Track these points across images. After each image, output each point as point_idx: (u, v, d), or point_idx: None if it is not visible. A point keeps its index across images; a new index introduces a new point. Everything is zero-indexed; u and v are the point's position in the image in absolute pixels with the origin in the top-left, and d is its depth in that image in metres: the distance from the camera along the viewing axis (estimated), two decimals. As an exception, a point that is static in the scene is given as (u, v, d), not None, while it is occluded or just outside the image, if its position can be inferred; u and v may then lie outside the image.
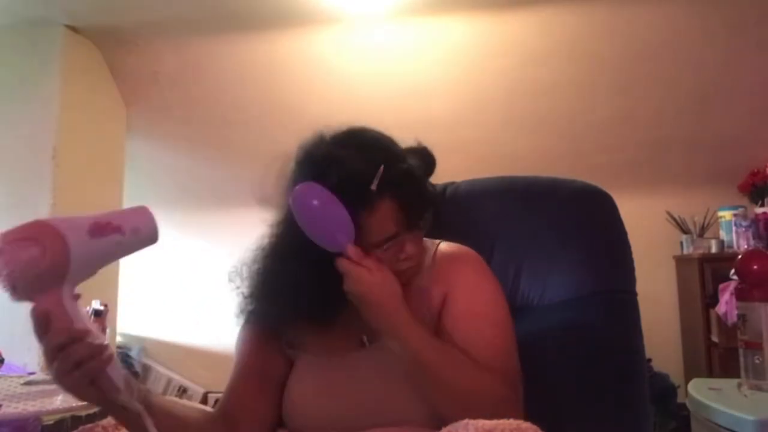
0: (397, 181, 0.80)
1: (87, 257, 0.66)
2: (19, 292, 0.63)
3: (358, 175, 0.78)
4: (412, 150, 0.89)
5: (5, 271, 0.62)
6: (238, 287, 0.92)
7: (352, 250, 0.79)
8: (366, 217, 0.79)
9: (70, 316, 0.66)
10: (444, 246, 0.96)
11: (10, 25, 2.59)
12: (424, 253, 0.91)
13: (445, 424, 0.70)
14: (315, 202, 0.78)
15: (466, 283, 0.90)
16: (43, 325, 0.65)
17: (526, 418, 0.71)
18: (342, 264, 0.80)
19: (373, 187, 0.78)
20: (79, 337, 0.65)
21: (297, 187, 0.79)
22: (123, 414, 0.73)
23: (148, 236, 0.72)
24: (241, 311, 0.94)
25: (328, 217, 0.78)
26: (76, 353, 0.64)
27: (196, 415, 0.88)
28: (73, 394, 0.67)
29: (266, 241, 0.89)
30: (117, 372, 0.68)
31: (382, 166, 0.78)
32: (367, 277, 0.79)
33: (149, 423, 0.70)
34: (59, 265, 0.64)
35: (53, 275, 0.64)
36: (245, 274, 0.91)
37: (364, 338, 0.89)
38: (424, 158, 0.89)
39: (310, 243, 0.80)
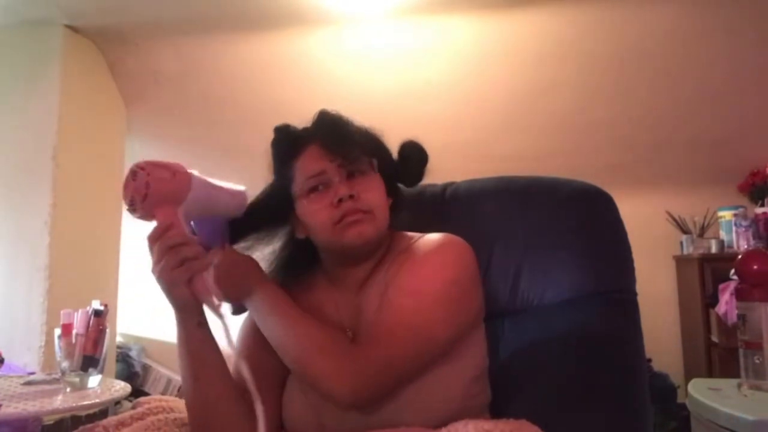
0: (317, 125, 0.91)
1: (200, 197, 0.83)
2: (149, 201, 0.78)
3: (289, 129, 0.94)
4: (403, 145, 0.96)
5: (145, 181, 0.78)
6: None
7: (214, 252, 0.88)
8: (296, 163, 0.90)
9: (183, 228, 0.80)
10: (428, 235, 0.92)
11: (10, 25, 2.59)
12: (379, 204, 0.89)
13: (444, 425, 0.70)
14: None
15: (418, 258, 0.86)
16: (160, 230, 0.78)
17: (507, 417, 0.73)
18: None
19: (297, 131, 0.92)
20: (191, 241, 0.79)
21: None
22: (192, 328, 0.84)
23: (241, 203, 0.93)
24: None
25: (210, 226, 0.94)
26: (185, 252, 0.78)
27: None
28: (170, 290, 0.80)
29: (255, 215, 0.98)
30: (210, 278, 0.81)
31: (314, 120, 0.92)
32: (218, 256, 0.86)
33: (228, 330, 0.81)
34: (183, 189, 0.81)
35: (176, 195, 0.80)
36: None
37: (349, 333, 0.89)
38: (413, 152, 0.96)
39: (269, 215, 0.95)
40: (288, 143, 0.92)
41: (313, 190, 0.87)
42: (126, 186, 0.79)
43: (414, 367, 0.80)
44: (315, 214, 0.87)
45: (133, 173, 0.79)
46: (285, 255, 0.97)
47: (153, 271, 0.78)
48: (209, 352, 0.85)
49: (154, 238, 0.78)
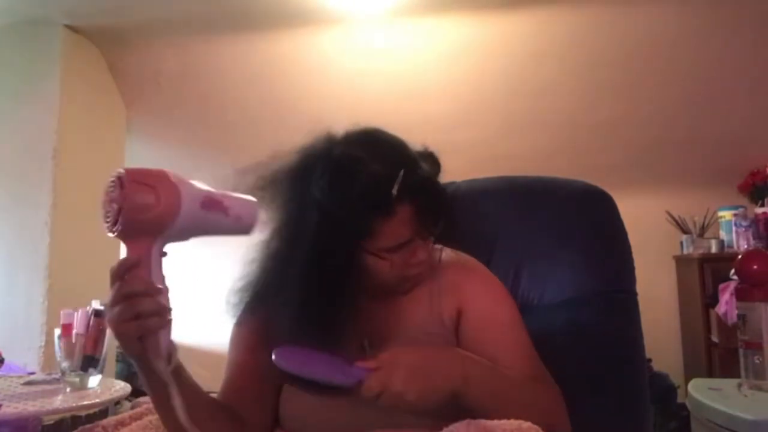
0: (417, 187, 0.80)
1: (190, 223, 0.68)
2: (119, 228, 0.64)
3: (379, 178, 0.78)
4: (421, 154, 0.88)
5: (118, 206, 0.63)
6: (239, 290, 0.91)
7: (367, 374, 0.75)
8: (383, 221, 0.79)
9: (152, 269, 0.68)
10: (448, 253, 0.94)
11: (10, 25, 2.59)
12: (431, 259, 0.90)
13: (446, 425, 0.70)
14: (302, 361, 0.79)
15: (481, 293, 0.91)
16: (124, 268, 0.66)
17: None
18: (368, 391, 0.74)
19: (394, 191, 0.77)
20: (152, 292, 0.67)
21: (275, 357, 0.78)
22: (151, 379, 0.73)
23: (247, 227, 0.75)
24: (237, 307, 0.92)
25: (324, 366, 0.78)
26: (141, 305, 0.66)
27: (215, 404, 0.89)
28: (119, 340, 0.68)
29: (268, 243, 0.87)
30: (166, 339, 0.69)
31: (402, 171, 0.78)
32: (394, 380, 0.74)
33: (175, 395, 0.69)
34: (165, 220, 0.65)
35: (155, 227, 0.66)
36: (247, 275, 0.90)
37: (365, 343, 0.89)
38: (432, 163, 0.88)
39: (314, 252, 0.80)
40: (382, 201, 0.78)
41: (393, 250, 0.82)
42: (105, 193, 0.66)
43: None
44: (387, 270, 0.83)
45: (113, 184, 0.65)
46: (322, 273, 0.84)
47: (106, 309, 0.68)
48: (185, 394, 0.73)
49: (115, 276, 0.67)
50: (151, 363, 0.69)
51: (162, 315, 0.67)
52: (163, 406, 0.76)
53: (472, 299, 0.90)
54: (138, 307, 0.65)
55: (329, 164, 0.81)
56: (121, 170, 0.64)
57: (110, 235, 0.66)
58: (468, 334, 0.88)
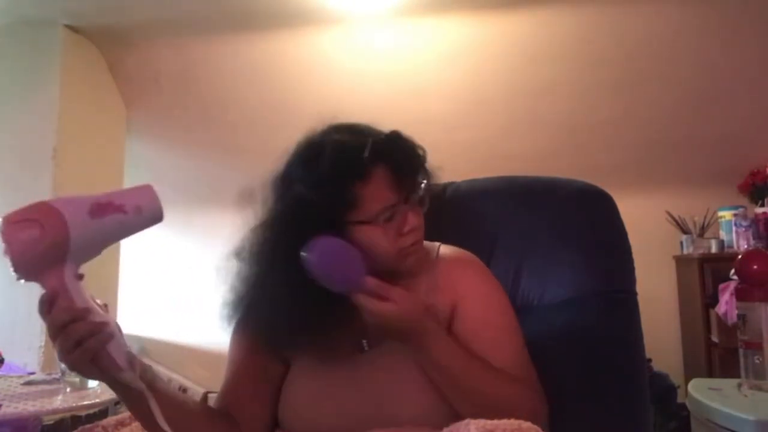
0: (387, 148, 0.83)
1: (87, 237, 0.67)
2: (21, 271, 0.64)
3: (350, 149, 0.81)
4: None
5: (8, 252, 0.63)
6: (229, 293, 0.90)
7: (372, 282, 0.79)
8: (362, 187, 0.81)
9: (72, 296, 0.67)
10: (445, 249, 0.95)
11: (10, 25, 2.59)
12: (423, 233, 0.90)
13: (446, 424, 0.70)
14: (334, 249, 0.79)
15: (476, 292, 0.91)
16: (46, 303, 0.67)
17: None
18: (362, 299, 0.79)
19: (366, 154, 0.80)
20: (80, 316, 0.66)
21: (312, 242, 0.78)
22: (126, 393, 0.73)
23: (152, 215, 0.72)
24: (231, 318, 0.91)
25: (345, 261, 0.79)
26: (76, 332, 0.66)
27: (198, 407, 0.88)
28: (76, 371, 0.69)
29: (257, 244, 0.87)
30: (119, 350, 0.69)
31: (370, 138, 0.82)
32: (394, 311, 0.78)
33: (152, 402, 0.70)
34: (59, 244, 0.64)
35: (54, 255, 0.65)
36: (235, 279, 0.89)
37: (364, 343, 0.89)
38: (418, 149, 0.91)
39: (303, 237, 0.81)
40: (353, 165, 0.81)
41: (381, 214, 0.83)
42: None
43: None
44: (381, 242, 0.83)
45: None
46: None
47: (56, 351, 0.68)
48: (164, 401, 0.75)
49: (41, 314, 0.67)
50: (118, 379, 0.69)
51: (100, 332, 0.67)
52: (144, 418, 0.76)
53: (467, 297, 0.90)
54: (74, 335, 0.66)
55: (301, 151, 0.86)
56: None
57: (20, 281, 0.65)
58: (460, 331, 0.88)
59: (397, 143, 0.85)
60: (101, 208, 0.68)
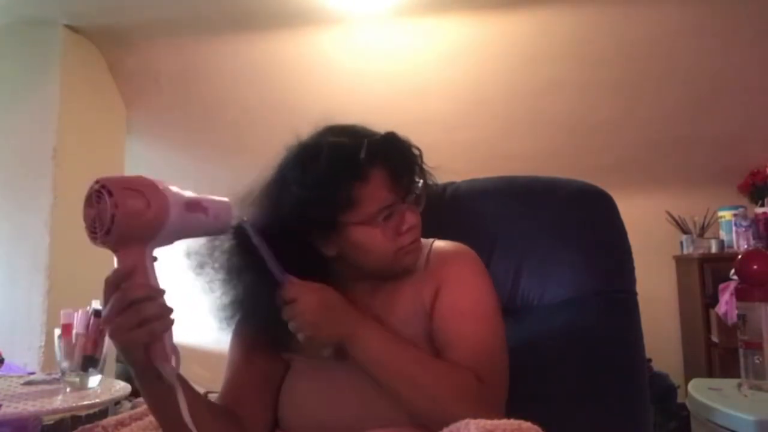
0: (384, 149, 0.83)
1: (177, 226, 0.68)
2: (112, 237, 0.63)
3: (347, 150, 0.81)
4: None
5: (111, 213, 0.62)
6: (227, 295, 0.90)
7: (288, 278, 0.80)
8: (360, 188, 0.81)
9: (150, 275, 0.67)
10: (439, 243, 0.95)
11: (10, 25, 2.59)
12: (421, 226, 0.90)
13: (446, 424, 0.70)
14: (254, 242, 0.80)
15: (455, 280, 0.89)
16: (122, 278, 0.66)
17: (508, 417, 0.70)
18: (283, 293, 0.80)
19: (362, 155, 0.80)
20: (155, 296, 0.67)
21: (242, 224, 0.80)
22: (153, 386, 0.73)
23: (224, 225, 0.77)
24: (229, 320, 0.92)
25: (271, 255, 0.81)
26: (147, 310, 0.65)
27: (214, 406, 0.88)
28: (125, 349, 0.68)
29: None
30: (171, 341, 0.69)
31: (366, 140, 0.82)
32: (303, 297, 0.79)
33: (181, 397, 0.69)
34: (156, 225, 0.65)
35: (148, 231, 0.66)
36: (232, 281, 0.89)
37: None
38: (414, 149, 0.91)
39: (303, 238, 0.84)
40: (351, 166, 0.81)
41: (379, 214, 0.83)
42: (87, 204, 0.64)
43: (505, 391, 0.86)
44: (380, 242, 0.84)
45: (97, 194, 0.63)
46: (306, 269, 0.85)
47: (105, 324, 0.67)
48: (190, 399, 0.73)
49: (112, 285, 0.66)
50: (155, 369, 0.68)
51: (166, 317, 0.68)
52: (164, 412, 0.76)
53: (448, 283, 0.89)
54: (143, 313, 0.65)
55: (296, 154, 0.86)
56: (100, 181, 0.64)
57: (100, 245, 0.65)
58: (435, 317, 0.87)
59: (393, 144, 0.85)
60: (194, 204, 0.70)
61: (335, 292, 0.82)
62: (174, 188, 0.69)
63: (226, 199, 0.77)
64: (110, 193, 0.63)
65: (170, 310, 0.68)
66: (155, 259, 0.70)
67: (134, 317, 0.65)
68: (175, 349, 0.70)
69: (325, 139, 0.84)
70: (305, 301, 0.79)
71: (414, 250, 0.88)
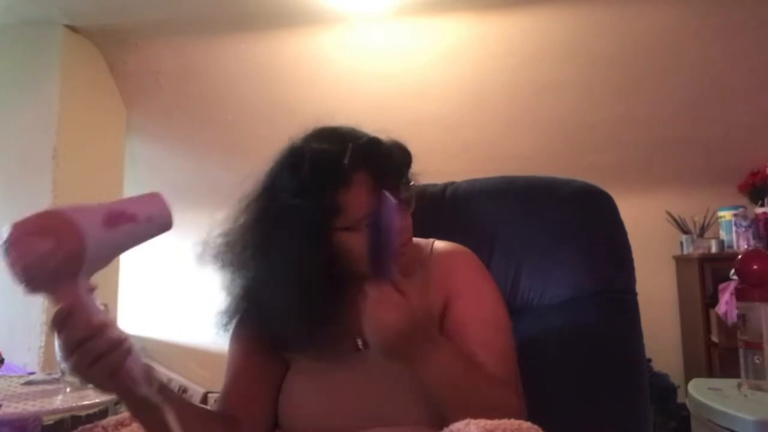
0: (368, 154, 0.82)
1: (102, 248, 0.64)
2: (33, 286, 0.61)
3: (331, 156, 0.81)
4: (391, 145, 0.89)
5: (20, 265, 0.59)
6: (225, 298, 0.91)
7: (396, 276, 0.74)
8: (345, 194, 0.80)
9: (88, 310, 0.64)
10: (439, 244, 0.95)
11: (10, 25, 2.59)
12: (412, 234, 0.89)
13: (445, 424, 0.70)
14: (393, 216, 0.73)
15: (468, 287, 0.90)
16: (62, 320, 0.64)
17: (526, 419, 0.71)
18: (375, 290, 0.74)
19: (345, 161, 0.80)
20: (99, 332, 0.64)
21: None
22: (142, 407, 0.72)
23: (162, 223, 0.70)
24: (227, 323, 0.92)
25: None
26: (96, 348, 0.64)
27: (205, 413, 0.88)
28: (93, 386, 0.67)
29: (248, 241, 0.87)
30: (137, 364, 0.67)
31: (350, 144, 0.81)
32: (403, 306, 0.73)
33: (171, 416, 0.68)
34: (74, 258, 0.62)
35: (68, 268, 0.62)
36: (230, 275, 0.90)
37: (359, 342, 0.89)
38: (401, 152, 0.90)
39: (292, 246, 0.81)
40: (334, 172, 0.80)
41: (363, 220, 0.81)
42: (2, 258, 0.60)
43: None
44: (364, 242, 0.82)
45: (4, 246, 0.60)
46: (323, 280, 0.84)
47: (64, 364, 0.66)
48: (180, 411, 0.73)
49: (57, 326, 0.65)
50: (135, 393, 0.68)
51: (119, 347, 0.65)
52: (159, 429, 0.74)
53: (458, 291, 0.89)
54: (93, 352, 0.64)
55: (283, 159, 0.85)
56: (5, 229, 0.60)
57: (31, 295, 0.62)
58: (449, 328, 0.87)
59: (377, 147, 0.84)
60: (114, 217, 0.65)
61: (422, 311, 0.76)
62: (90, 204, 0.65)
63: (156, 192, 0.71)
64: (12, 245, 0.59)
65: (120, 341, 0.66)
66: (93, 288, 0.67)
67: (85, 357, 0.64)
68: (144, 369, 0.68)
69: (308, 145, 0.84)
70: (407, 307, 0.73)
71: (405, 254, 0.86)
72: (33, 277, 0.60)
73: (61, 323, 0.64)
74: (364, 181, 0.81)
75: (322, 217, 0.81)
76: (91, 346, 0.63)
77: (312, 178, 0.80)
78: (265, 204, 0.86)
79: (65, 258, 0.61)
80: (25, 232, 0.60)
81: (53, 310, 0.65)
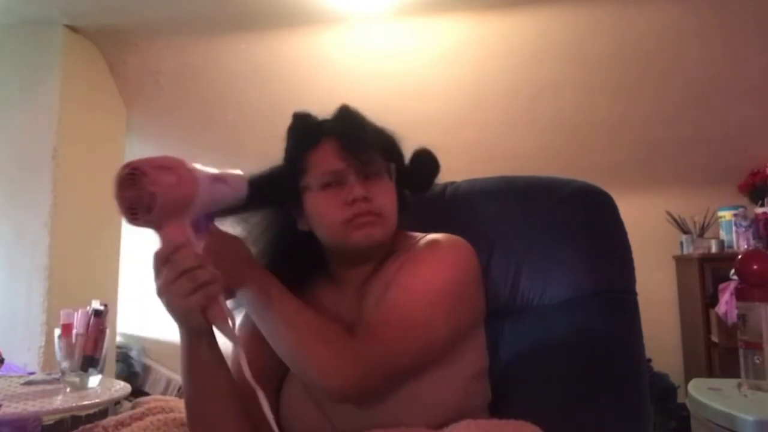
0: (340, 122, 0.90)
1: (205, 197, 0.73)
2: (154, 215, 0.67)
3: (305, 121, 0.92)
4: (417, 153, 0.95)
5: (150, 192, 0.66)
6: None
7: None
8: (312, 154, 0.88)
9: (195, 245, 0.71)
10: (431, 235, 0.92)
11: (10, 25, 2.59)
12: (391, 208, 0.89)
13: (445, 425, 0.70)
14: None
15: (419, 256, 0.87)
16: (173, 250, 0.69)
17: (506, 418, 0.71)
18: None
19: (315, 124, 0.90)
20: (204, 263, 0.69)
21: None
22: (205, 355, 0.77)
23: (242, 196, 0.81)
24: None
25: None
26: (200, 277, 0.68)
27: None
28: (182, 316, 0.72)
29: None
30: (225, 302, 0.73)
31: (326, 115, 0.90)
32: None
33: (241, 354, 0.73)
34: (189, 197, 0.70)
35: (183, 205, 0.70)
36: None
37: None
38: (426, 161, 0.95)
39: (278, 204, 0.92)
40: (305, 132, 0.90)
41: (327, 186, 0.85)
42: (122, 189, 0.67)
43: (411, 365, 0.80)
44: (325, 211, 0.85)
45: (131, 176, 0.66)
46: (284, 246, 0.92)
47: (160, 295, 0.70)
48: (220, 373, 0.80)
49: (163, 260, 0.69)
50: (210, 335, 0.75)
51: (219, 281, 0.70)
52: (215, 380, 0.79)
53: (408, 261, 0.86)
54: (197, 280, 0.68)
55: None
56: (131, 164, 0.67)
57: (142, 225, 0.68)
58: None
59: (345, 115, 0.91)
60: (218, 179, 0.76)
61: (235, 239, 0.85)
62: (197, 165, 0.74)
63: (240, 172, 0.82)
64: (144, 174, 0.66)
65: (219, 275, 0.71)
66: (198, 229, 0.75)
67: (189, 284, 0.68)
68: (229, 310, 0.73)
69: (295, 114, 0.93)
70: (209, 244, 0.78)
71: (365, 225, 0.85)
72: (158, 206, 0.66)
73: (170, 254, 0.69)
74: (330, 145, 0.87)
75: (295, 177, 0.88)
76: (197, 275, 0.68)
77: (289, 140, 0.91)
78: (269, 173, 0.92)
79: (184, 195, 0.69)
80: (152, 165, 0.67)
81: (153, 251, 0.70)
